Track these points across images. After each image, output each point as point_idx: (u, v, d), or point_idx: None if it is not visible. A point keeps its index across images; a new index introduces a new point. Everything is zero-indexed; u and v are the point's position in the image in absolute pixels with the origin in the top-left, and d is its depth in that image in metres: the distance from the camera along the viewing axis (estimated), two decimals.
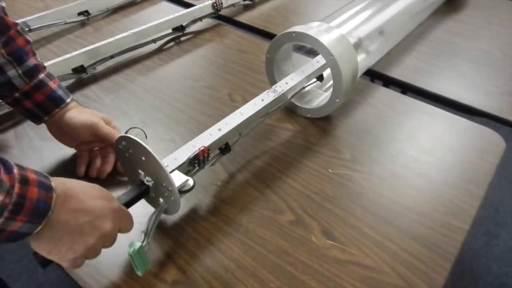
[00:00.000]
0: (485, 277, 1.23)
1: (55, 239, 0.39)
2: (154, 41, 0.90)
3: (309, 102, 0.71)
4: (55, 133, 0.59)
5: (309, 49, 0.65)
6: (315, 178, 0.59)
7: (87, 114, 0.58)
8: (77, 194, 0.40)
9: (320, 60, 0.68)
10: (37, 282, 1.20)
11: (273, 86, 0.62)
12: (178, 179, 0.47)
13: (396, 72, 0.83)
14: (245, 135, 0.59)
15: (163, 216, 0.53)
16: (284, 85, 0.63)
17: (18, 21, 0.56)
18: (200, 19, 0.97)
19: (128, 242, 0.43)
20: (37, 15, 0.90)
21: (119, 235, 0.44)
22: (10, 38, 0.54)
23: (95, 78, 0.80)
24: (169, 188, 0.46)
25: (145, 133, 0.58)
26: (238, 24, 1.03)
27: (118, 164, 0.59)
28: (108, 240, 0.43)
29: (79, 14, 0.99)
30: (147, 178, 0.48)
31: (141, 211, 0.49)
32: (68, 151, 0.61)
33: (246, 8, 1.09)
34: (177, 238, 0.51)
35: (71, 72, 0.77)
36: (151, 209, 0.50)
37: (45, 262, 0.41)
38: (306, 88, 0.67)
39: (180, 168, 0.49)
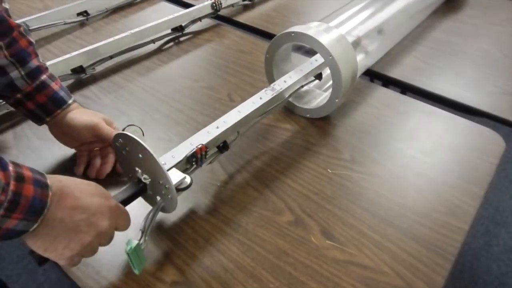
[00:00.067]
0: (485, 277, 1.23)
1: (51, 236, 0.39)
2: (153, 41, 0.90)
3: (308, 102, 0.71)
4: (57, 134, 0.59)
5: (309, 49, 0.65)
6: (315, 178, 0.59)
7: (89, 115, 0.58)
8: (73, 191, 0.40)
9: (318, 58, 0.68)
10: (36, 282, 1.20)
11: (272, 84, 0.62)
12: (175, 176, 0.46)
13: (396, 72, 0.83)
14: (243, 134, 0.59)
15: (162, 216, 0.53)
16: (283, 83, 0.63)
17: (18, 21, 0.56)
18: (200, 19, 0.97)
19: (126, 241, 0.43)
20: (36, 15, 0.91)
21: (118, 235, 0.44)
22: (13, 39, 0.55)
23: (94, 79, 0.80)
24: (166, 186, 0.45)
25: (142, 130, 0.58)
26: (237, 24, 1.03)
27: (118, 164, 0.59)
28: (105, 238, 0.43)
29: (78, 14, 0.99)
30: (144, 175, 0.48)
31: (141, 211, 0.49)
32: (67, 151, 0.61)
33: (246, 8, 1.09)
34: (176, 239, 0.51)
35: (70, 72, 0.77)
36: (148, 208, 0.50)
37: (42, 260, 0.41)
38: (305, 88, 0.67)
39: (177, 166, 0.48)
